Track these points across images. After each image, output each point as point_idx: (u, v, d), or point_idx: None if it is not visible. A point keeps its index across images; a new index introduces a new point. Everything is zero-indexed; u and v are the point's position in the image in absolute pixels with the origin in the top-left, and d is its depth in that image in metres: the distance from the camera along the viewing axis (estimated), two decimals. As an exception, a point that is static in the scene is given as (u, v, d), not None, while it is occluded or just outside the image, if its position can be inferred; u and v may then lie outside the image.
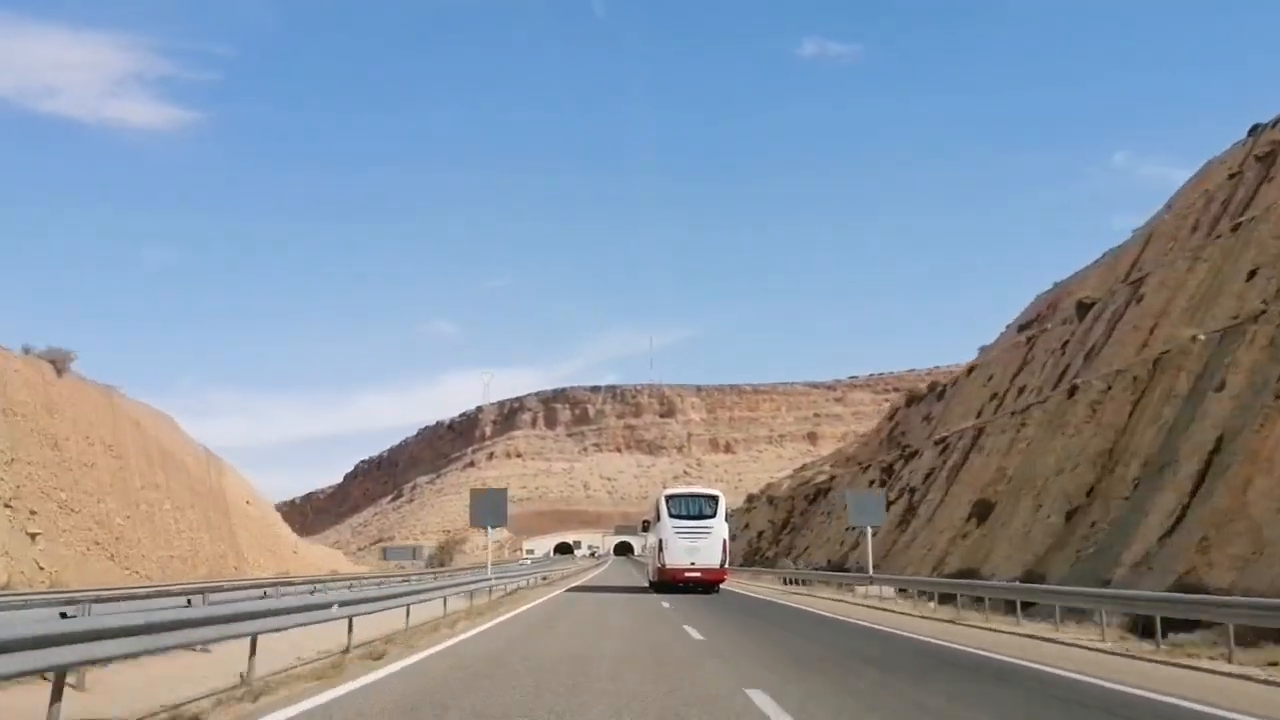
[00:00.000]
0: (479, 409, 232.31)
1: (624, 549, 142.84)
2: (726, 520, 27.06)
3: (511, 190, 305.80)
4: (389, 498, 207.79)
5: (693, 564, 25.51)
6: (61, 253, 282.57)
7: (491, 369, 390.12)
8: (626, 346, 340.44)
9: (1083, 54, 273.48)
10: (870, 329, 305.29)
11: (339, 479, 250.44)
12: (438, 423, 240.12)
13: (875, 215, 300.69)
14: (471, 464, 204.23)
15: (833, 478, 56.52)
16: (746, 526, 65.86)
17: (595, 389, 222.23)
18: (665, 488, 28.57)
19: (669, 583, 25.04)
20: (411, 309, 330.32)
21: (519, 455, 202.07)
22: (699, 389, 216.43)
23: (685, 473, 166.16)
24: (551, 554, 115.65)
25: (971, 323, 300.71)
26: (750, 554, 59.60)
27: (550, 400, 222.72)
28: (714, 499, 26.88)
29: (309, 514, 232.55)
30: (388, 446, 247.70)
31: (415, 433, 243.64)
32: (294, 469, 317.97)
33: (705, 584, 25.27)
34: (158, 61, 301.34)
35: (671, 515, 25.46)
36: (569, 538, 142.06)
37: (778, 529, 60.64)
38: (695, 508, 26.35)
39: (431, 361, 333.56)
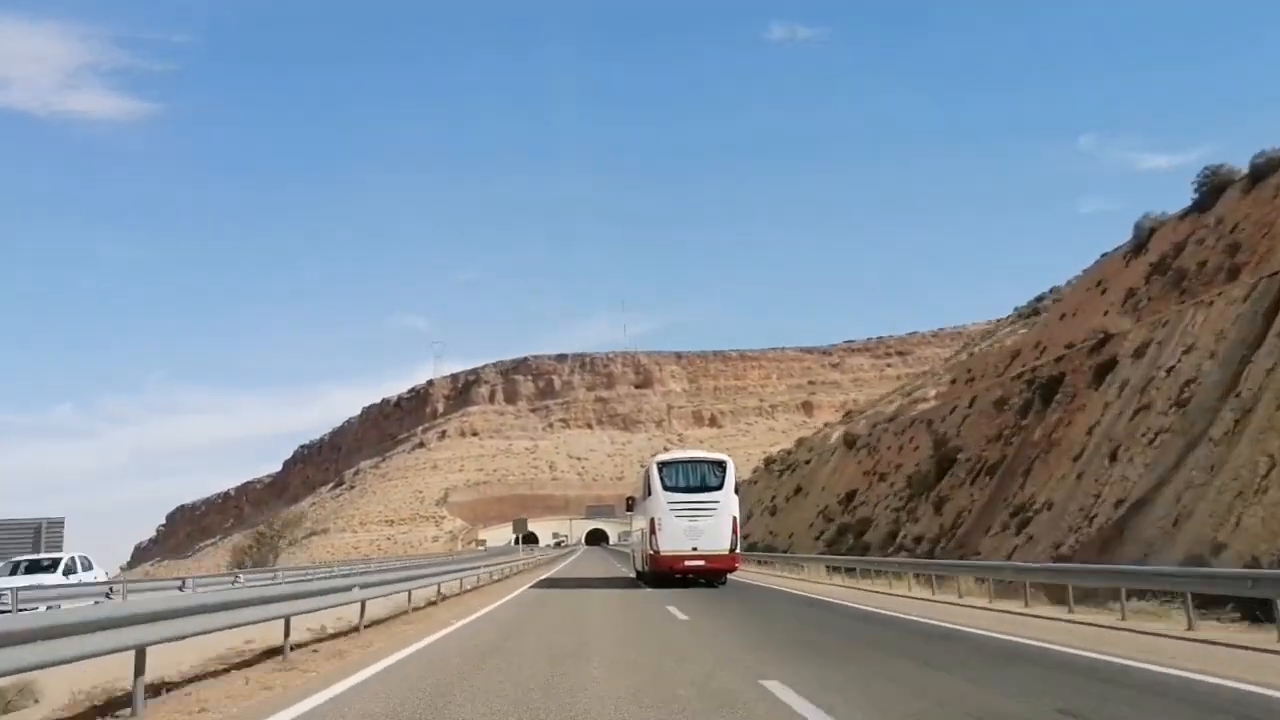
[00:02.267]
0: (430, 383, 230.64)
1: (597, 537, 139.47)
2: (736, 492, 23.45)
3: (481, 183, 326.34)
4: (330, 485, 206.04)
5: (695, 549, 22.04)
6: (16, 251, 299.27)
7: (443, 341, 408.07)
8: (601, 337, 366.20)
9: (1056, 40, 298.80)
10: (867, 292, 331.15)
11: (278, 467, 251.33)
12: (384, 400, 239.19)
13: (857, 184, 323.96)
14: (421, 445, 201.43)
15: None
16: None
17: (561, 357, 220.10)
18: (656, 455, 24.72)
19: (664, 573, 22.25)
20: (380, 303, 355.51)
21: (475, 434, 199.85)
22: (679, 356, 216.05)
23: (666, 449, 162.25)
24: (513, 545, 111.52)
25: (971, 283, 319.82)
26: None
27: (510, 371, 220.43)
28: (720, 466, 23.35)
29: (244, 507, 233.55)
30: (330, 429, 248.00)
31: (359, 412, 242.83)
32: (263, 465, 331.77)
33: (710, 574, 22.67)
34: (113, 52, 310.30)
35: (667, 488, 22.22)
36: (533, 526, 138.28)
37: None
38: (697, 477, 22.85)
39: (400, 355, 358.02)
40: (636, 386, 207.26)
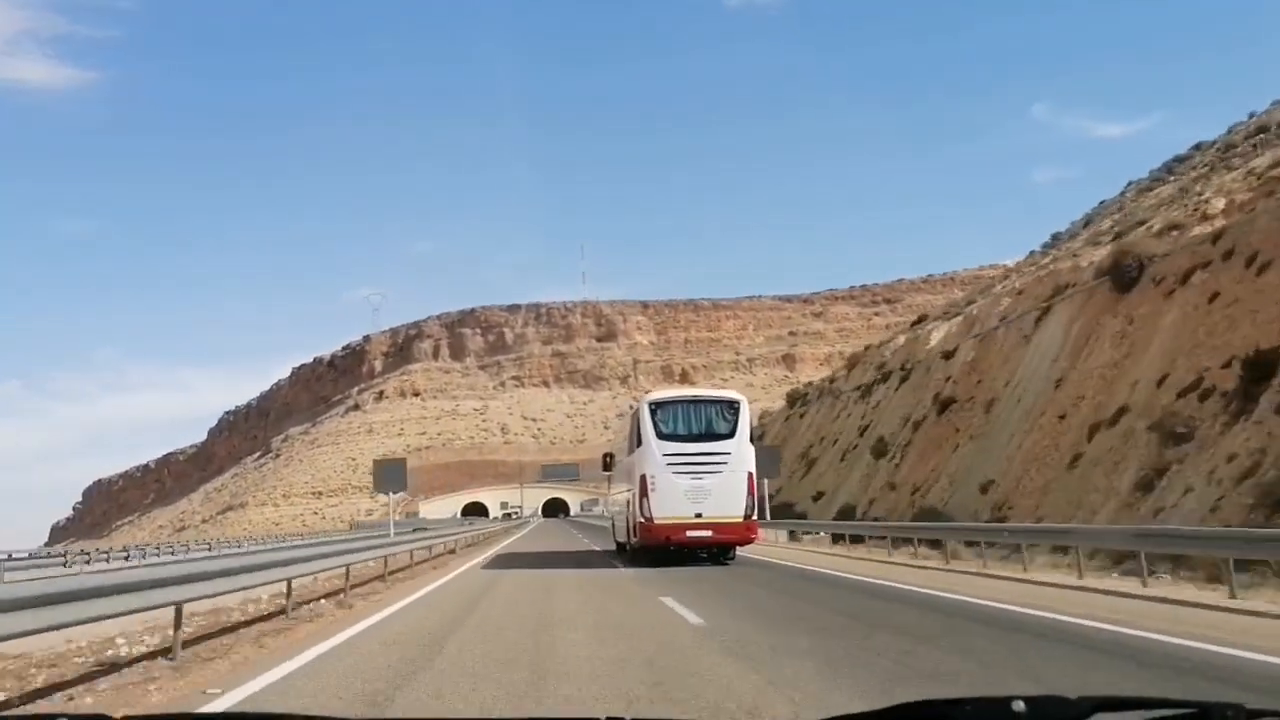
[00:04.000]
0: (366, 339, 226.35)
1: (556, 507, 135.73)
2: (752, 441, 19.33)
3: (436, 147, 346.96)
4: (256, 454, 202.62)
5: (699, 515, 18.11)
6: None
7: (383, 292, 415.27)
8: (558, 288, 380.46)
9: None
10: (844, 239, 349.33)
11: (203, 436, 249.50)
12: (315, 360, 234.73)
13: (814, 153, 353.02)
14: (356, 407, 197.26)
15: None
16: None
17: (513, 308, 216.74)
18: (648, 394, 20.35)
19: (658, 546, 18.90)
20: (334, 275, 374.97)
21: (416, 394, 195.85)
22: (645, 306, 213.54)
23: (631, 409, 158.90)
24: (459, 517, 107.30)
25: (957, 229, 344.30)
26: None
27: (456, 324, 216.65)
28: (731, 407, 19.26)
29: (166, 480, 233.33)
30: (258, 393, 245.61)
31: (289, 374, 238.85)
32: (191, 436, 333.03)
33: (719, 546, 19.54)
34: (52, 18, 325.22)
35: (662, 436, 18.89)
36: (483, 496, 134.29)
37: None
38: (700, 422, 18.97)
39: (354, 328, 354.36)
40: (598, 339, 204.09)
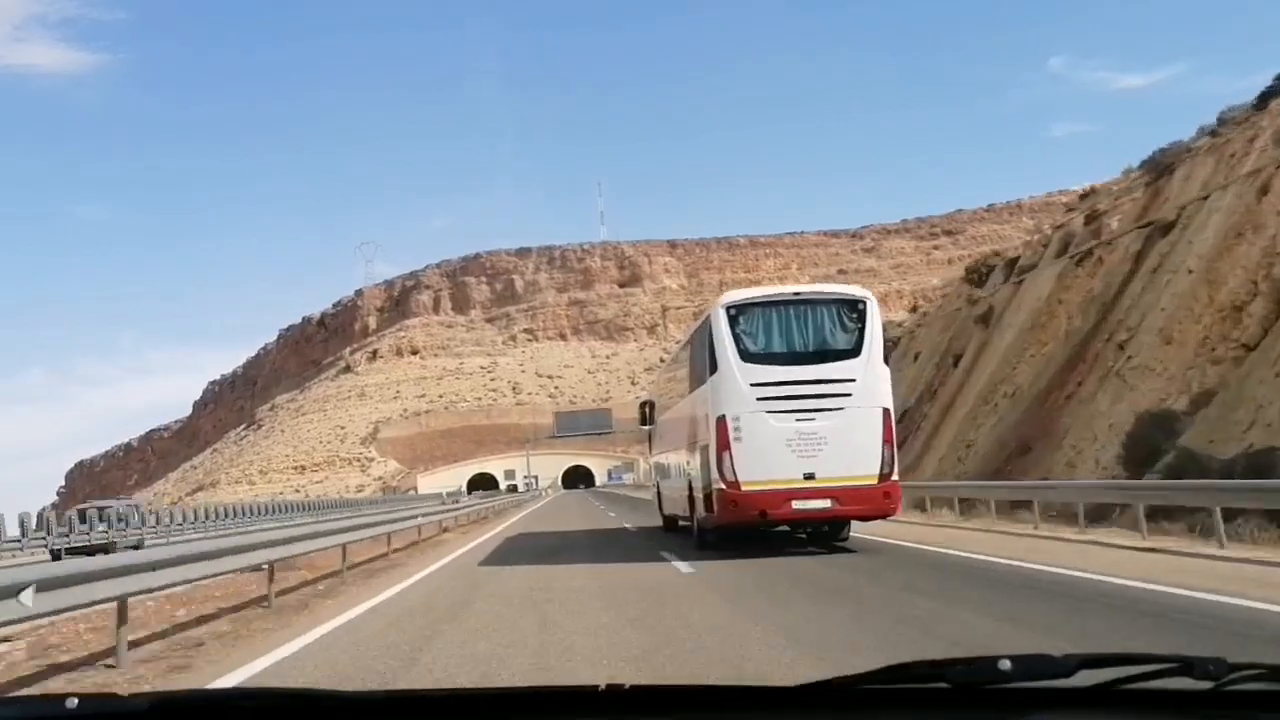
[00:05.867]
0: (358, 294, 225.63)
1: (578, 478, 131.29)
2: (887, 362, 14.06)
3: (457, 118, 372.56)
4: (243, 425, 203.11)
5: (810, 477, 13.25)
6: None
7: (376, 241, 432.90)
8: (574, 229, 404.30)
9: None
10: (888, 172, 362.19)
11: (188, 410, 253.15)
12: (304, 320, 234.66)
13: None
14: (347, 369, 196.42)
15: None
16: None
17: (523, 252, 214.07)
18: (723, 297, 14.71)
19: (746, 524, 14.14)
20: (351, 253, 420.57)
21: (414, 352, 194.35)
22: (673, 245, 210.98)
23: (661, 361, 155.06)
24: (464, 491, 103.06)
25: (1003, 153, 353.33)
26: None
27: (459, 272, 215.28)
28: (853, 308, 14.13)
29: (150, 459, 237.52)
30: (244, 360, 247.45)
31: (275, 337, 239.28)
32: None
33: (839, 520, 14.51)
34: (60, 2, 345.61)
35: (748, 358, 13.82)
36: (492, 465, 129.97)
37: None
38: (807, 333, 14.00)
39: (348, 285, 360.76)
40: (621, 285, 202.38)
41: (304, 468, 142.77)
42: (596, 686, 1.72)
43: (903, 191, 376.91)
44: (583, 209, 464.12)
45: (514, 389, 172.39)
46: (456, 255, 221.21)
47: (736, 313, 13.86)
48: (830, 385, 13.45)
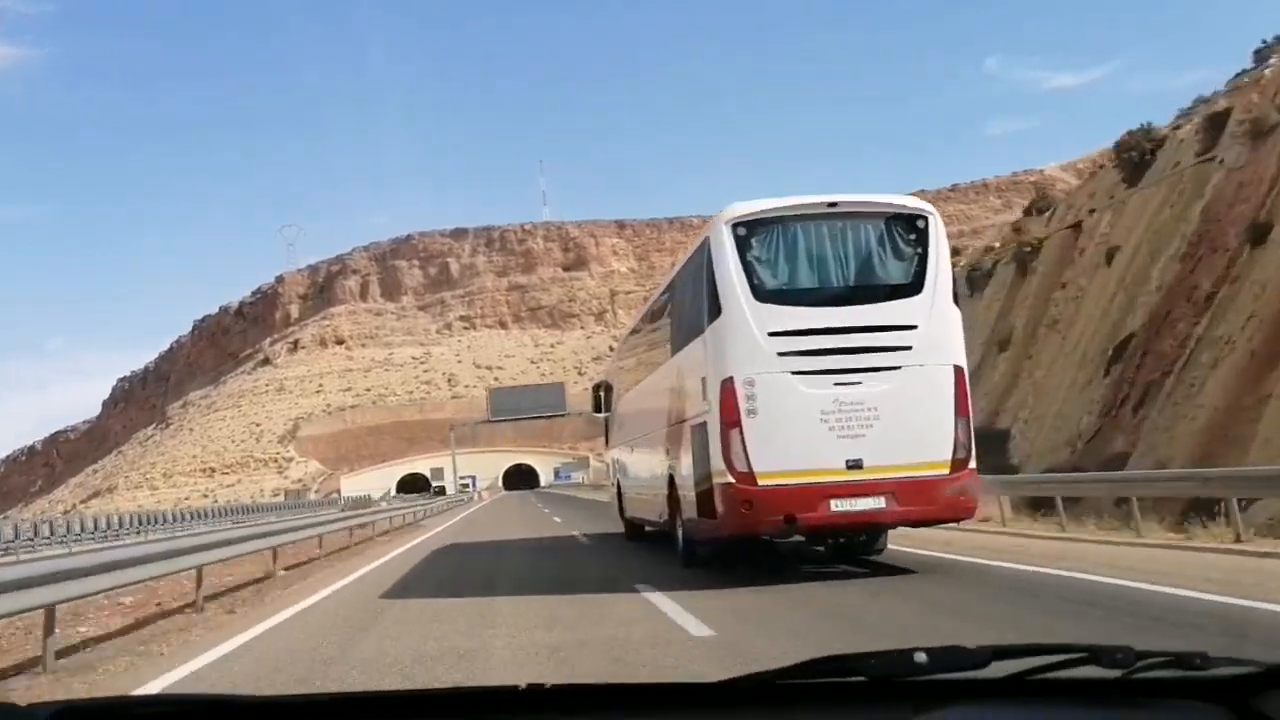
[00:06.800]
0: (279, 279, 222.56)
1: (520, 478, 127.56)
2: (956, 301, 10.58)
3: (390, 113, 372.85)
4: (154, 425, 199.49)
5: (855, 465, 9.87)
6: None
7: (298, 225, 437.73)
8: (514, 209, 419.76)
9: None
10: (869, 139, 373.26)
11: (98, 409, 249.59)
12: (221, 309, 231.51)
13: None
14: (265, 362, 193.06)
15: None
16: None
17: (459, 233, 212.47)
18: (727, 211, 10.87)
19: (761, 533, 10.80)
20: (273, 238, 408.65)
21: (340, 342, 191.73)
22: (621, 226, 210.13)
23: (610, 350, 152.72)
24: (393, 493, 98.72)
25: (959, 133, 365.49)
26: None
27: (389, 255, 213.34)
28: (910, 226, 10.55)
29: (55, 463, 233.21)
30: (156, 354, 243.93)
31: (190, 329, 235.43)
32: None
33: (889, 526, 10.99)
34: None
35: (763, 295, 10.29)
36: (424, 465, 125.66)
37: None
38: (842, 262, 10.51)
39: (270, 271, 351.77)
40: (566, 268, 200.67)
41: (214, 470, 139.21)
42: (517, 686, 1.78)
43: (860, 179, 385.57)
44: (523, 190, 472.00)
45: (449, 381, 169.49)
46: (386, 238, 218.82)
47: (747, 232, 10.25)
48: (881, 334, 9.98)
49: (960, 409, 10.05)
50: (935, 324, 10.14)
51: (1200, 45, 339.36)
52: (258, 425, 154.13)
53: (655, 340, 14.54)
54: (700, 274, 10.72)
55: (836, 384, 9.83)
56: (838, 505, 9.74)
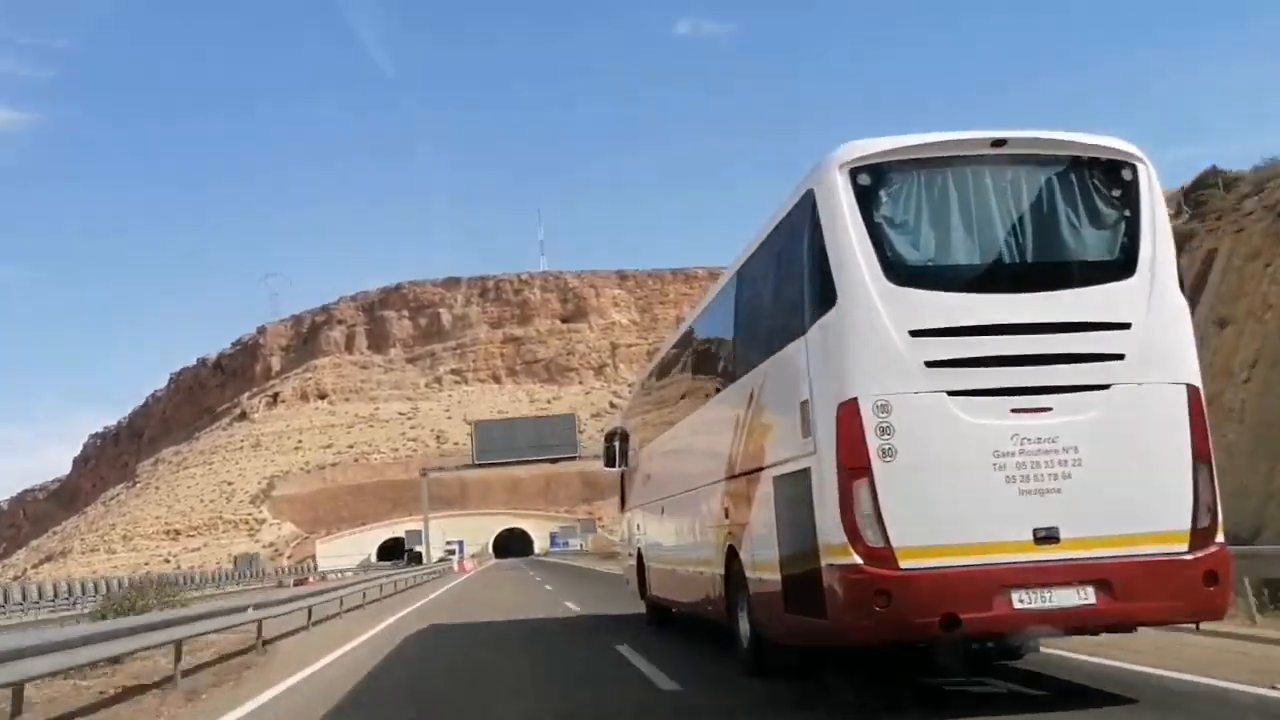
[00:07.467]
0: (260, 330, 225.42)
1: (512, 544, 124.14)
2: (1182, 286, 7.56)
3: (382, 160, 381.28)
4: (125, 484, 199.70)
5: (1047, 537, 6.72)
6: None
7: (282, 273, 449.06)
8: (510, 258, 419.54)
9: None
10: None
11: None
12: (199, 362, 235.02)
13: None
14: (243, 416, 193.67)
15: None
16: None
17: (452, 282, 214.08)
18: (831, 154, 7.83)
19: (897, 639, 7.13)
20: (256, 289, 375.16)
21: (322, 396, 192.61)
22: (623, 276, 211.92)
23: (612, 406, 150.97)
24: (373, 560, 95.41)
25: None
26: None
27: (377, 305, 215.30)
28: (1113, 176, 7.37)
29: (22, 524, 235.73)
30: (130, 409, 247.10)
31: (166, 382, 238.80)
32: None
33: (1091, 630, 7.42)
34: None
35: (898, 275, 7.06)
36: (409, 527, 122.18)
37: None
38: (1017, 228, 7.23)
39: (252, 323, 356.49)
40: (564, 320, 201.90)
41: (178, 532, 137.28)
42: None
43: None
44: (520, 239, 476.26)
45: (438, 439, 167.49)
46: (375, 287, 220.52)
47: (874, 181, 7.13)
48: (1080, 336, 6.91)
49: (1200, 451, 6.91)
50: (1156, 321, 7.04)
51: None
52: (229, 484, 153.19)
53: (704, 363, 11.45)
54: (797, 247, 7.62)
55: (1014, 410, 6.72)
56: (1023, 600, 6.58)
